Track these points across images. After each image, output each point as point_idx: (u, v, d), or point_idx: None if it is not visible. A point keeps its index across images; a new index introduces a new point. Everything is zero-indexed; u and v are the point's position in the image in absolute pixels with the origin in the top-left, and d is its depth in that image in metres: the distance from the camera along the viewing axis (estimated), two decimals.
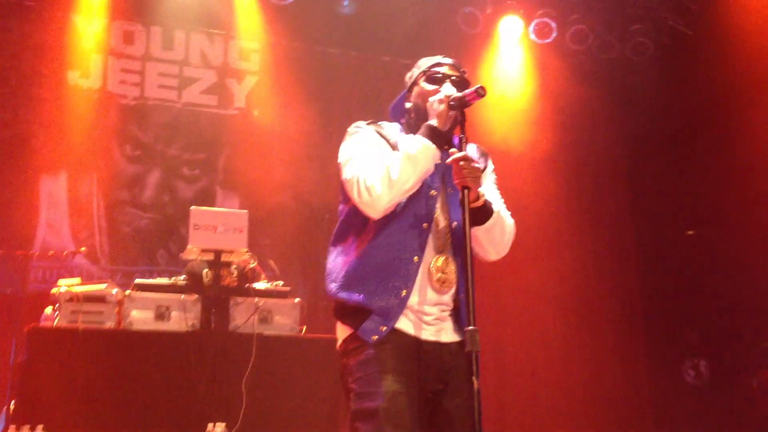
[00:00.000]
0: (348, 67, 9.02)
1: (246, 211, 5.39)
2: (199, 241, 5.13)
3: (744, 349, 8.13)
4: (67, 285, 5.04)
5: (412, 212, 2.90)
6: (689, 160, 8.74)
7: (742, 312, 8.11)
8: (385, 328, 2.79)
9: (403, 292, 2.82)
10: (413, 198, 2.89)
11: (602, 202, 9.45)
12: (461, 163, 2.77)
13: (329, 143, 8.35)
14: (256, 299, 5.20)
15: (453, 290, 2.91)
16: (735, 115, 7.99)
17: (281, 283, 5.52)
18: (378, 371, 2.76)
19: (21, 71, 7.86)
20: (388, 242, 2.87)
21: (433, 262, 2.88)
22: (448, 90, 2.95)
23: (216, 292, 5.14)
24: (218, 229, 5.15)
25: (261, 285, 5.45)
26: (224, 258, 5.26)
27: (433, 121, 2.88)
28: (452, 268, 2.89)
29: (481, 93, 2.81)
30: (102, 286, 5.14)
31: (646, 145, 9.14)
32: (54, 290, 4.99)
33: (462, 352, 2.69)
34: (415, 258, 2.85)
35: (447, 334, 2.90)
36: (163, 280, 5.35)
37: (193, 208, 5.22)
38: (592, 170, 9.44)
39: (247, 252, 5.43)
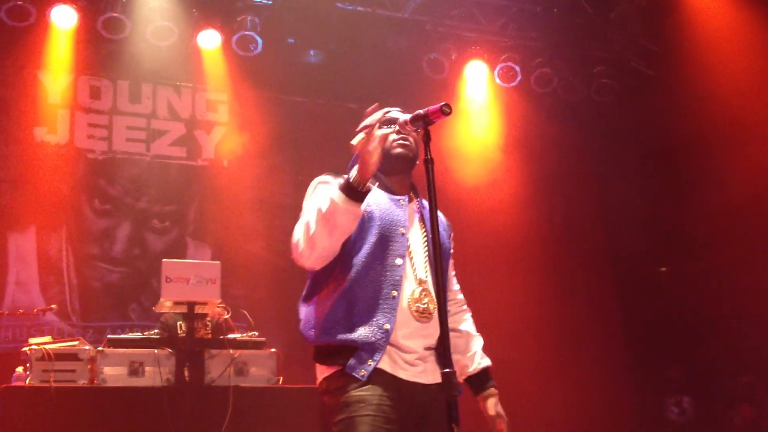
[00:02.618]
0: (315, 115, 9.07)
1: (218, 262, 5.36)
2: (172, 294, 5.07)
3: (725, 384, 8.19)
4: (37, 343, 4.95)
5: (386, 249, 2.92)
6: (659, 197, 8.87)
7: (720, 347, 8.18)
8: (371, 362, 2.79)
9: (387, 326, 2.82)
10: (386, 236, 2.93)
11: (576, 240, 9.51)
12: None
13: (300, 191, 8.31)
14: (231, 351, 5.13)
15: (436, 326, 2.83)
16: (702, 152, 8.15)
17: (256, 333, 5.47)
18: (360, 414, 2.74)
19: None
20: (365, 281, 2.87)
21: (411, 294, 2.89)
22: (384, 130, 2.92)
23: (190, 345, 5.07)
24: (191, 281, 5.09)
25: (236, 336, 5.39)
26: (198, 310, 5.21)
27: (353, 173, 2.76)
28: (430, 298, 2.90)
29: (445, 111, 2.74)
30: (74, 344, 5.06)
31: (617, 183, 9.26)
32: (25, 349, 4.91)
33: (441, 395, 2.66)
34: (393, 293, 2.87)
35: (428, 375, 2.89)
36: (135, 335, 5.28)
37: (164, 260, 5.17)
38: (564, 210, 9.52)
39: (220, 303, 5.39)
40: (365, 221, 2.93)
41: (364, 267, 2.90)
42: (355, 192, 2.75)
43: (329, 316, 2.89)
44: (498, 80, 9.07)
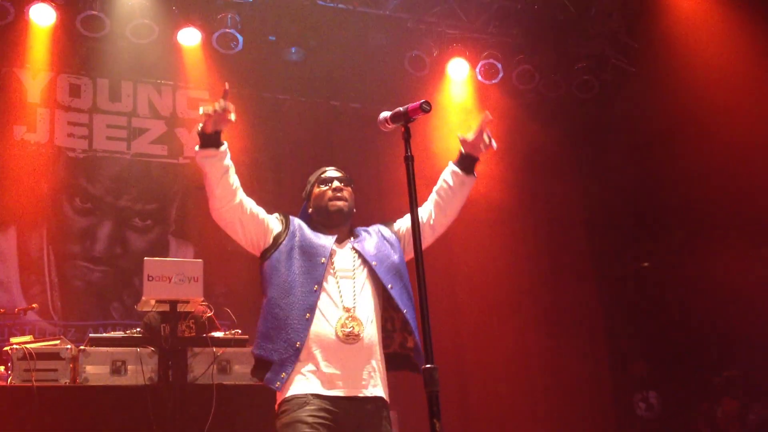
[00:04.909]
0: (297, 112, 9.05)
1: (201, 260, 5.34)
2: (154, 292, 5.05)
3: (696, 380, 8.23)
4: (19, 343, 4.92)
5: (305, 276, 3.28)
6: (640, 191, 8.90)
7: (694, 342, 8.23)
8: (284, 374, 3.16)
9: (297, 344, 3.17)
10: (305, 264, 3.30)
11: (558, 235, 9.53)
12: None
13: (281, 188, 8.37)
14: (214, 349, 5.12)
15: (370, 343, 3.24)
16: (681, 147, 8.20)
17: (239, 331, 5.46)
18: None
19: None
20: (284, 302, 3.24)
21: (337, 320, 3.21)
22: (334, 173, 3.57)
23: (173, 344, 5.05)
24: (173, 279, 5.07)
25: (218, 334, 5.38)
26: (180, 308, 5.19)
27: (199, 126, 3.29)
28: (358, 323, 3.22)
29: (425, 108, 2.95)
30: (55, 343, 5.03)
31: (598, 178, 9.31)
32: (6, 348, 4.88)
33: (380, 405, 3.21)
34: (307, 315, 3.21)
35: (364, 390, 3.21)
36: (117, 334, 5.25)
37: (146, 259, 5.14)
38: (546, 206, 9.53)
39: (203, 301, 5.37)
40: (290, 249, 3.35)
41: (284, 289, 3.27)
42: (204, 138, 3.29)
43: (259, 332, 3.30)
44: (480, 77, 9.09)
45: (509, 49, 9.11)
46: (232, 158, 3.44)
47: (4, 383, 4.79)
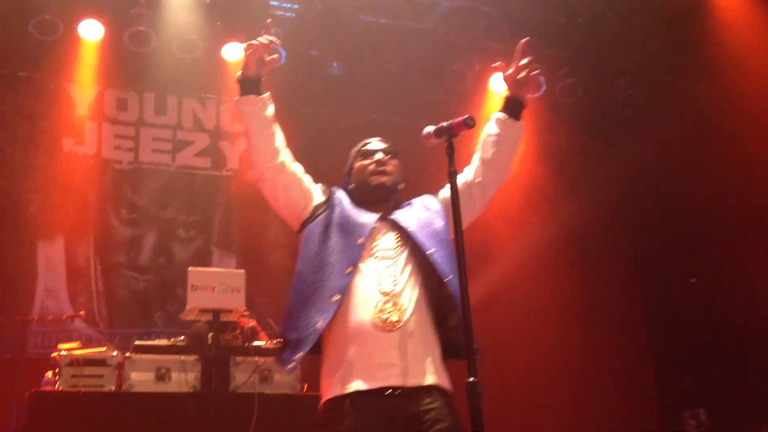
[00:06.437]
0: (338, 126, 9.08)
1: (243, 270, 5.40)
2: (198, 301, 5.12)
3: (746, 399, 8.09)
4: (67, 349, 5.02)
5: (338, 255, 3.02)
6: (687, 206, 8.79)
7: (747, 361, 8.08)
8: (299, 355, 2.91)
9: (319, 324, 2.91)
10: (343, 242, 3.04)
11: (602, 250, 9.44)
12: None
13: None
14: (257, 358, 5.17)
15: (413, 330, 2.93)
16: (729, 161, 8.10)
17: (282, 341, 5.49)
18: None
19: (16, 140, 7.96)
20: (312, 280, 2.99)
21: (374, 306, 2.93)
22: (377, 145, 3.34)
23: (216, 352, 5.11)
24: (216, 289, 5.15)
25: (261, 343, 5.43)
26: (223, 318, 5.26)
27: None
28: (396, 309, 2.93)
29: (469, 123, 2.89)
30: (102, 350, 5.13)
31: (643, 193, 9.21)
32: (54, 354, 4.98)
33: (436, 395, 2.88)
34: (336, 297, 2.93)
35: (401, 378, 2.88)
36: (162, 342, 5.33)
37: (190, 269, 5.22)
38: (589, 220, 9.43)
39: (245, 311, 5.43)
40: (327, 223, 3.10)
41: (315, 265, 3.02)
42: (244, 84, 3.10)
43: (284, 310, 3.08)
44: None
45: (552, 62, 9.05)
46: None
47: (52, 388, 4.89)
